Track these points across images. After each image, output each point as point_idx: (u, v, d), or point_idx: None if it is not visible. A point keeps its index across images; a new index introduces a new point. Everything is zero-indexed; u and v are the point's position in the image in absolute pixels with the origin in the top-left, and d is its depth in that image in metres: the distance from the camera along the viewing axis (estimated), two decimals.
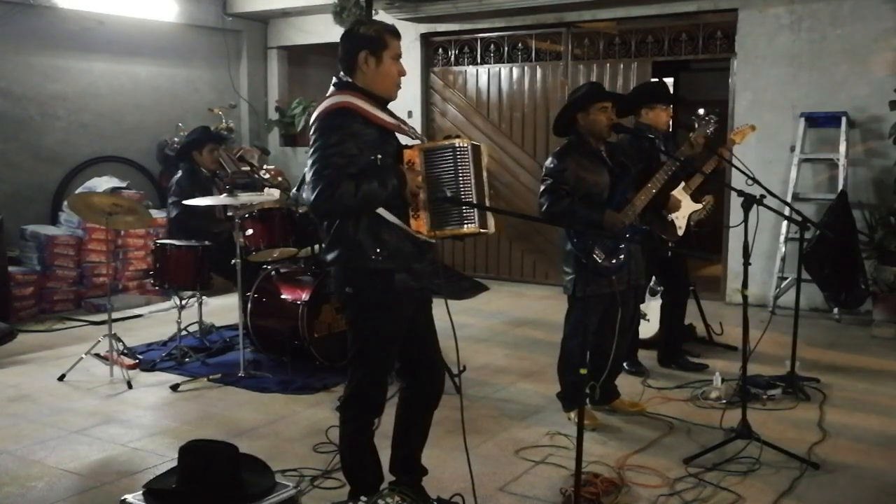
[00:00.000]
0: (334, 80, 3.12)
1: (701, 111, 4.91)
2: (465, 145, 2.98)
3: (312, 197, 2.88)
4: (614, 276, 4.16)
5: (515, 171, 8.70)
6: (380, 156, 2.96)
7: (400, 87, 3.13)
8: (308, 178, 2.91)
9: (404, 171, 2.96)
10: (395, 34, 3.09)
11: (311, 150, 2.94)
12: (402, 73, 3.10)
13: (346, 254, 3.01)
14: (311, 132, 2.98)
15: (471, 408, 4.63)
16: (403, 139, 3.16)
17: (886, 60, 6.78)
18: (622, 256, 4.18)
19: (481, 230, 3.01)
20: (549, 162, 4.24)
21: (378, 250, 2.97)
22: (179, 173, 6.29)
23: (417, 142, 3.11)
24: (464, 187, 2.97)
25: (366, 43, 3.02)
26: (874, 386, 5.11)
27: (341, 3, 8.40)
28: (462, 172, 2.96)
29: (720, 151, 4.80)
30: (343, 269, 3.05)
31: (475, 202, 2.98)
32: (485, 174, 3.10)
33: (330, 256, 3.07)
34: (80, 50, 8.33)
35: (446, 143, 3.01)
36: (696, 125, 4.85)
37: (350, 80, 3.06)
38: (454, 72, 9.07)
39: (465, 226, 2.97)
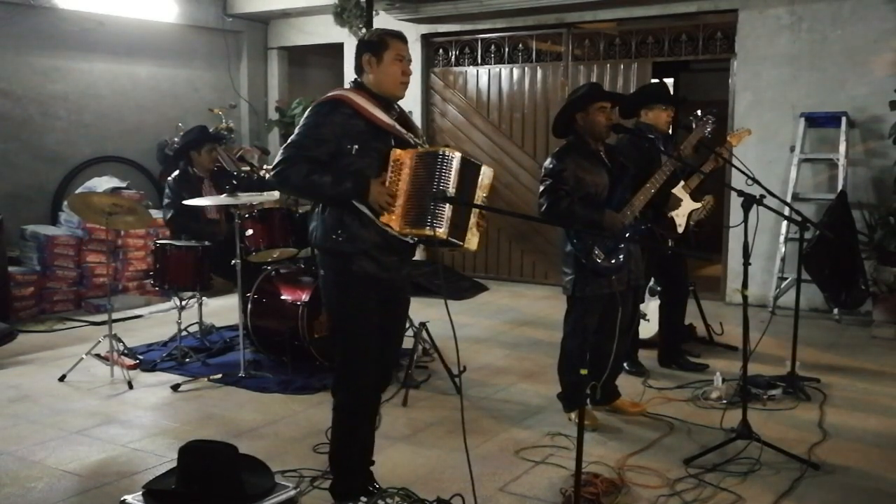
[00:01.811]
0: (350, 80, 3.33)
1: (699, 111, 4.91)
2: (452, 155, 3.03)
3: (272, 166, 3.14)
4: (614, 276, 4.16)
5: (515, 171, 8.70)
6: (357, 147, 3.09)
7: (406, 86, 3.27)
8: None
9: (371, 183, 3.05)
10: (398, 37, 3.25)
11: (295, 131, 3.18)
12: (407, 72, 3.24)
13: (315, 230, 3.22)
14: (302, 118, 3.21)
15: (471, 408, 4.64)
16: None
17: (886, 61, 6.78)
18: (621, 257, 4.18)
19: (451, 238, 3.03)
20: (548, 162, 4.25)
21: (339, 232, 3.12)
22: (175, 173, 6.31)
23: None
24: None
25: (369, 46, 3.23)
26: (874, 386, 5.11)
27: (341, 4, 8.41)
28: (442, 179, 3.00)
29: (718, 151, 4.80)
30: (318, 249, 3.25)
31: (476, 205, 3.05)
32: (479, 194, 3.13)
33: (309, 232, 3.28)
34: (81, 50, 8.33)
35: (436, 149, 3.08)
36: (694, 125, 4.85)
37: (360, 80, 3.26)
38: (454, 72, 9.08)
39: (434, 229, 2.98)
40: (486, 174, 3.16)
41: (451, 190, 3.01)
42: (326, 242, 3.15)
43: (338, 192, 3.05)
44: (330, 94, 3.20)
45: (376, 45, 3.19)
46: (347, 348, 3.23)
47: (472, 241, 3.14)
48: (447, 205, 2.99)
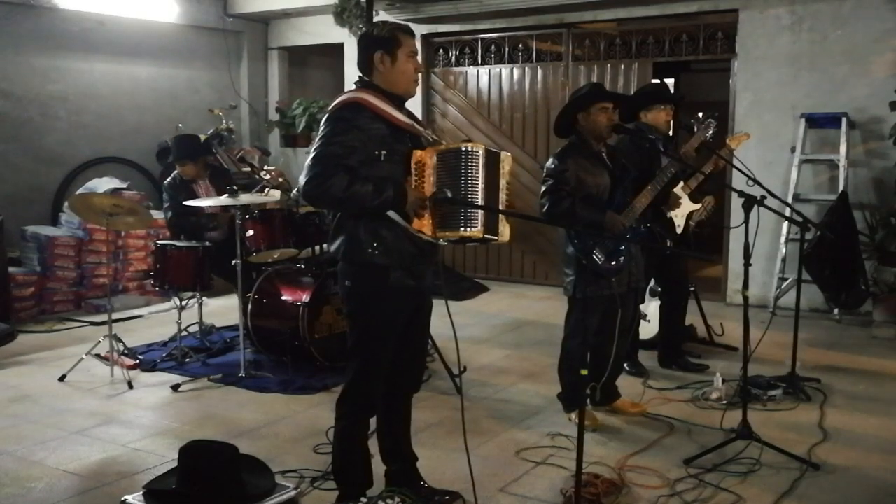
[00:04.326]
0: (355, 80, 3.20)
1: (700, 114, 4.91)
2: (477, 150, 2.97)
3: (304, 181, 2.96)
4: (614, 277, 4.16)
5: (516, 171, 8.68)
6: (385, 152, 2.99)
7: (418, 84, 3.18)
8: (307, 162, 2.99)
9: (408, 189, 2.97)
10: (409, 33, 3.14)
11: (316, 138, 3.03)
12: (419, 69, 3.16)
13: (345, 245, 3.08)
14: (321, 124, 3.06)
15: (471, 408, 4.63)
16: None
17: (887, 61, 6.78)
18: (622, 258, 4.18)
19: (487, 235, 2.99)
20: (550, 163, 4.25)
21: (375, 244, 3.02)
22: (169, 178, 6.35)
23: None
24: (471, 192, 2.95)
25: (380, 43, 3.09)
26: (874, 387, 5.11)
27: (342, 4, 8.42)
28: (470, 176, 2.95)
29: (720, 153, 4.80)
30: (345, 261, 3.12)
31: (474, 204, 2.95)
32: (503, 182, 3.08)
33: (334, 247, 3.14)
34: (81, 51, 8.33)
35: (458, 146, 3.00)
36: (696, 128, 4.85)
37: (368, 79, 3.13)
38: (455, 72, 9.08)
39: (468, 229, 2.94)
40: (506, 160, 3.11)
41: (481, 185, 2.96)
42: (364, 256, 3.02)
43: (381, 201, 2.92)
44: (346, 97, 3.05)
45: (389, 43, 3.06)
46: (365, 362, 3.16)
47: (505, 232, 3.08)
48: (479, 202, 2.94)
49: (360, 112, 2.99)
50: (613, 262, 4.15)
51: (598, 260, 4.11)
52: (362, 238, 3.03)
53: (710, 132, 4.82)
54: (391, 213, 2.99)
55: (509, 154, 3.18)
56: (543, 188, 4.20)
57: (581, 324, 4.18)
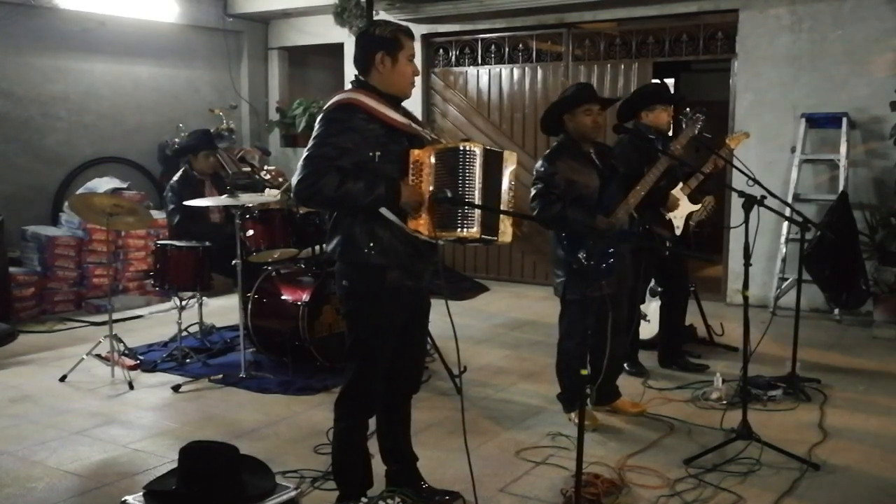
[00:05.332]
0: (351, 79, 3.19)
1: (688, 109, 4.90)
2: (475, 149, 2.97)
3: (296, 181, 2.96)
4: (603, 280, 4.13)
5: (516, 170, 8.67)
6: (379, 153, 2.98)
7: (414, 86, 3.17)
8: (299, 163, 2.98)
9: (401, 186, 2.96)
10: (409, 35, 3.14)
11: (311, 139, 3.01)
12: (416, 72, 3.15)
13: (342, 245, 3.08)
14: (316, 124, 3.05)
15: (471, 409, 4.64)
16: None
17: (887, 61, 6.78)
18: (612, 260, 4.16)
19: (485, 236, 2.98)
20: (539, 165, 4.22)
21: (371, 244, 3.01)
22: (175, 176, 6.36)
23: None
24: (468, 191, 2.94)
25: (382, 44, 3.07)
26: (875, 387, 5.11)
27: (342, 4, 8.42)
28: (467, 175, 2.94)
29: (719, 153, 4.79)
30: (342, 261, 3.11)
31: (476, 204, 2.95)
32: (506, 182, 3.08)
33: (331, 247, 3.14)
34: (82, 51, 8.34)
35: (456, 145, 3.00)
36: (684, 125, 4.84)
37: (364, 79, 3.12)
38: (455, 72, 9.08)
39: (465, 230, 2.94)
40: (509, 159, 3.09)
41: (478, 185, 2.95)
42: (360, 256, 3.01)
43: (372, 198, 2.91)
44: (340, 98, 3.04)
45: (392, 44, 3.04)
46: (363, 362, 3.15)
47: (506, 232, 3.07)
48: (476, 202, 2.93)
49: (354, 113, 2.98)
50: (603, 265, 4.13)
51: (588, 262, 4.08)
52: (358, 238, 3.02)
53: (699, 126, 4.79)
54: (386, 213, 2.98)
55: (514, 153, 3.17)
56: (533, 191, 4.18)
57: (578, 324, 4.17)
